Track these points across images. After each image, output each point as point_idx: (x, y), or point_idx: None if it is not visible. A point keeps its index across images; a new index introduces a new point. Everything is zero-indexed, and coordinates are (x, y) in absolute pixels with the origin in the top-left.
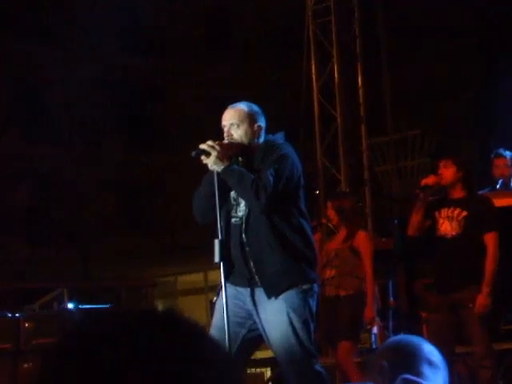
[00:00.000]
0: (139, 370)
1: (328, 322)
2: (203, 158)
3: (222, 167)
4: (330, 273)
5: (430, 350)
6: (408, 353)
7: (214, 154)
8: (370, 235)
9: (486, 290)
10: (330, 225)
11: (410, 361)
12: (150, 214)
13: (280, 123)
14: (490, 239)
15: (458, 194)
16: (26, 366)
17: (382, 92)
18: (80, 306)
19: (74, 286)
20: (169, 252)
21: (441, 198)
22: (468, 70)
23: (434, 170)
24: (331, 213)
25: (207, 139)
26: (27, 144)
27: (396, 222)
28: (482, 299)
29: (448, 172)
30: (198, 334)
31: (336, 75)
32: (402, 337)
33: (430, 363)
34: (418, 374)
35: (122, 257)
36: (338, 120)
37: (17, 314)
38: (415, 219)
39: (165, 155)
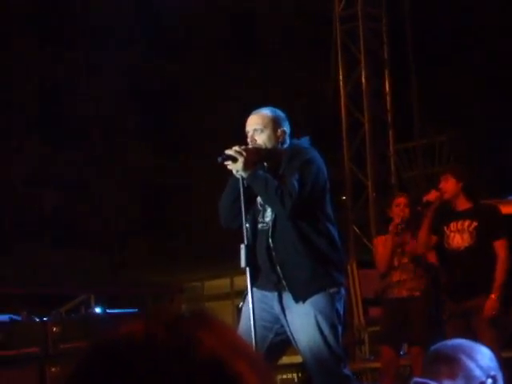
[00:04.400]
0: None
1: (396, 323)
2: (229, 163)
3: (248, 173)
4: (401, 275)
5: (450, 347)
6: (428, 357)
7: (240, 159)
8: None
9: (494, 294)
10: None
11: (429, 364)
12: (176, 219)
13: (308, 128)
14: (501, 246)
15: (463, 205)
16: (53, 369)
17: (410, 98)
18: (107, 311)
19: (100, 291)
20: (196, 257)
21: (448, 213)
22: (492, 76)
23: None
24: (406, 210)
25: (233, 144)
26: (51, 148)
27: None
28: (491, 303)
29: (448, 185)
30: (237, 336)
31: (363, 81)
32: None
33: (447, 360)
34: (435, 375)
35: (149, 262)
36: (366, 125)
37: (44, 319)
38: (422, 236)
39: (191, 159)
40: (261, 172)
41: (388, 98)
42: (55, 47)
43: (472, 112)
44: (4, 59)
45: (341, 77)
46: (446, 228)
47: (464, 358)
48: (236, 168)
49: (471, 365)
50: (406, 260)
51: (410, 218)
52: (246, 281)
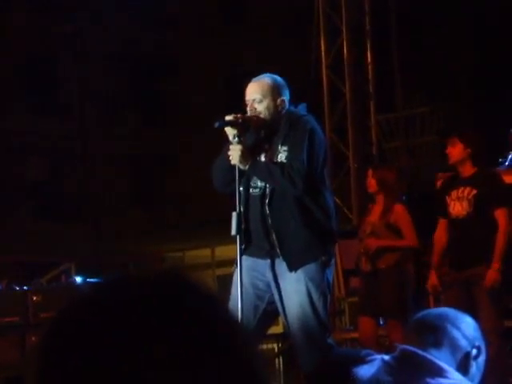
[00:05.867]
0: (163, 336)
1: (369, 295)
2: (228, 129)
3: (248, 165)
4: (364, 248)
5: (435, 315)
6: (414, 326)
7: (237, 153)
8: (406, 208)
9: (495, 265)
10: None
11: (414, 332)
12: (158, 189)
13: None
14: (501, 215)
15: (467, 171)
16: (33, 339)
17: (392, 68)
18: (88, 280)
19: (81, 260)
20: (176, 227)
21: (449, 181)
22: (476, 45)
23: (442, 148)
24: (371, 181)
25: (220, 114)
26: (39, 117)
27: (404, 198)
28: (492, 274)
29: (455, 150)
30: (216, 299)
31: (345, 51)
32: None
33: (432, 329)
34: (421, 343)
35: (130, 232)
36: (347, 96)
37: (25, 288)
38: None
39: (176, 130)
40: (259, 160)
41: (370, 69)
42: (43, 18)
43: (455, 83)
44: None
45: (322, 47)
46: (447, 197)
47: (449, 327)
48: (234, 161)
49: (457, 334)
50: (369, 230)
51: (378, 189)
52: (229, 250)
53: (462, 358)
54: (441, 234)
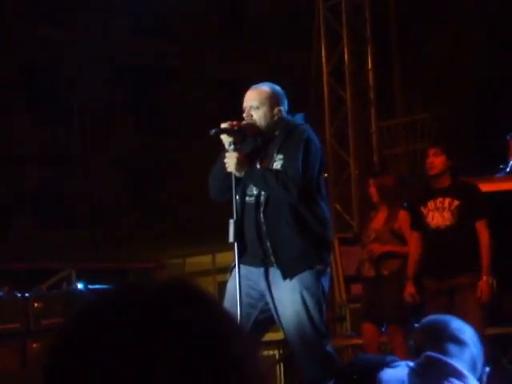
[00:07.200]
0: (168, 347)
1: (372, 301)
2: (224, 136)
3: (243, 173)
4: (368, 253)
5: (456, 328)
6: (433, 331)
7: (233, 160)
8: (409, 214)
9: (485, 277)
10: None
11: (435, 339)
12: (158, 196)
13: (289, 105)
14: (482, 226)
15: (444, 182)
16: (34, 345)
17: (392, 75)
18: (89, 287)
19: (82, 266)
20: (177, 234)
21: (423, 191)
22: (481, 53)
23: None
24: (373, 190)
25: (218, 122)
26: (39, 127)
27: (405, 205)
28: (484, 286)
29: (438, 160)
30: (219, 308)
31: (346, 58)
32: (432, 317)
33: (456, 340)
34: (443, 351)
35: (131, 238)
36: (348, 102)
37: (26, 294)
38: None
39: (175, 139)
40: (254, 167)
41: (371, 75)
42: (43, 27)
43: (456, 89)
44: None
45: (323, 54)
46: (422, 207)
47: (471, 345)
48: (230, 168)
49: (478, 353)
50: (373, 237)
51: (380, 197)
52: (230, 257)
53: (479, 378)
54: (416, 247)
